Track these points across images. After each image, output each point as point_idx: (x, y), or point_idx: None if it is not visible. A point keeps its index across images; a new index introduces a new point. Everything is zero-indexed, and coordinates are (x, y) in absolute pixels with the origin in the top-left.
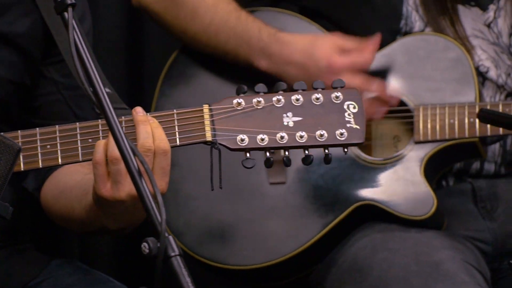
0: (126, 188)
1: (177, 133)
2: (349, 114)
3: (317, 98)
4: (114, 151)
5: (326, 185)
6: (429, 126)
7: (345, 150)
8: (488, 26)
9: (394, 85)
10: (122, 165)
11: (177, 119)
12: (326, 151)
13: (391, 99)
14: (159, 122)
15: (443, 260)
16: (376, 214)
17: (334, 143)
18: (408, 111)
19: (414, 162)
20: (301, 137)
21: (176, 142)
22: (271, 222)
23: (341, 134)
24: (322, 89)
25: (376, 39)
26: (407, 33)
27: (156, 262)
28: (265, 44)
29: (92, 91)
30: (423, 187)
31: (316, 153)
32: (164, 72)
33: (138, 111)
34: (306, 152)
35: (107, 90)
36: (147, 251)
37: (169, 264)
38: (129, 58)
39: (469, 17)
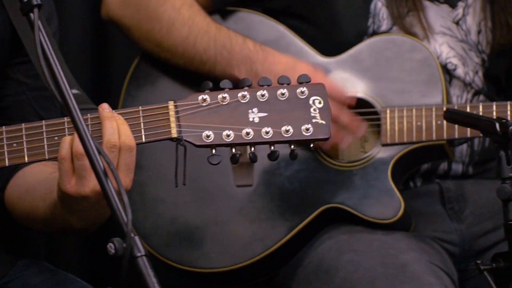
0: (91, 184)
1: (142, 129)
2: (314, 109)
3: (283, 94)
4: (79, 146)
5: (293, 187)
6: (396, 128)
7: (311, 145)
8: (457, 23)
9: (361, 87)
10: (86, 161)
11: (143, 116)
12: (292, 146)
13: (361, 127)
14: (125, 119)
15: (409, 262)
16: (343, 217)
17: (300, 139)
18: (375, 113)
19: (382, 165)
20: (267, 133)
21: (142, 139)
22: (238, 225)
23: (307, 129)
24: (288, 84)
25: (353, 98)
26: (374, 31)
27: (122, 262)
28: (250, 52)
29: (58, 91)
30: (390, 190)
31: (283, 154)
32: (130, 73)
33: (104, 107)
34: (272, 148)
35: (75, 91)
36: (113, 251)
37: (135, 264)
38: (95, 58)
39: (437, 14)
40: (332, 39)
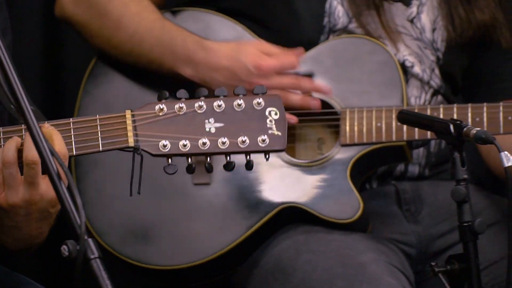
0: (19, 193)
1: (100, 138)
2: (270, 121)
3: (239, 104)
4: (8, 154)
5: (250, 186)
6: (355, 129)
7: (267, 156)
8: (411, 21)
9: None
10: (14, 169)
11: (100, 125)
12: (248, 157)
13: (313, 101)
14: (82, 127)
15: (367, 262)
16: (301, 216)
17: (256, 150)
18: (335, 113)
19: (340, 165)
20: (223, 143)
21: (99, 147)
22: (195, 222)
23: (263, 140)
24: (244, 95)
25: (300, 49)
26: (330, 30)
27: (76, 264)
28: (191, 52)
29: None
30: (349, 190)
31: (240, 155)
32: (88, 71)
33: (45, 125)
34: (228, 158)
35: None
36: (66, 253)
37: (88, 266)
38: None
39: (393, 13)
40: (288, 39)
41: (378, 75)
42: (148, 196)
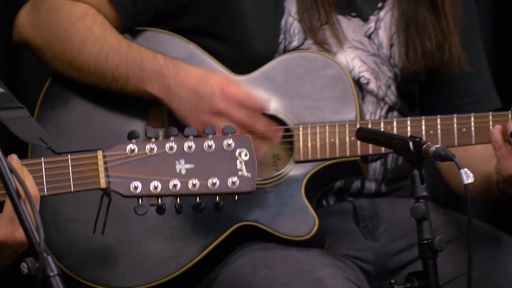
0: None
1: (71, 179)
2: (240, 162)
3: (209, 146)
4: None
5: (206, 206)
6: (309, 145)
7: (236, 198)
8: (369, 37)
9: (274, 104)
10: None
11: (72, 165)
12: (217, 198)
13: (276, 134)
14: (54, 167)
15: (325, 277)
16: (258, 235)
17: (226, 191)
18: (288, 130)
19: (295, 182)
20: (194, 185)
21: (70, 188)
22: (152, 243)
23: (233, 182)
24: (213, 134)
25: (268, 100)
26: (286, 47)
27: (35, 282)
28: (161, 67)
29: None
30: (304, 207)
31: None
32: (42, 94)
33: (13, 158)
34: (198, 199)
35: (1, 89)
36: (26, 271)
37: (48, 284)
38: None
39: (349, 28)
40: (243, 56)
41: (331, 90)
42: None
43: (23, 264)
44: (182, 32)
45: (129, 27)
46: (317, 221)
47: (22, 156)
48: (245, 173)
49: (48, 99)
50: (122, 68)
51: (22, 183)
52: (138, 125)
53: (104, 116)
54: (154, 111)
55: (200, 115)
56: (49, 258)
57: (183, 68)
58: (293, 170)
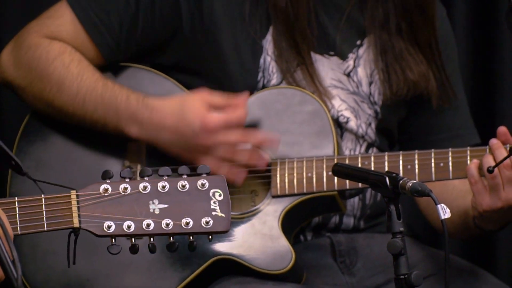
0: None
1: (44, 218)
2: (214, 202)
3: (183, 186)
4: None
5: (182, 238)
6: (286, 180)
7: (210, 237)
8: (348, 75)
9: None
10: None
11: (45, 204)
12: (191, 238)
13: (261, 160)
14: (28, 206)
15: None
16: (235, 268)
17: (200, 231)
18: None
19: (272, 216)
20: (167, 225)
21: (43, 227)
22: (129, 276)
23: (207, 222)
24: (188, 175)
25: (245, 94)
26: (264, 85)
27: None
28: (134, 111)
29: None
30: (281, 241)
31: None
32: (21, 129)
33: None
34: (171, 239)
35: None
36: None
37: None
38: None
39: (327, 67)
40: (223, 91)
41: (309, 125)
42: (82, 252)
43: None
44: (163, 68)
45: (109, 63)
46: (293, 255)
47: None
48: (219, 213)
49: (27, 134)
50: (99, 112)
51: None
52: (116, 160)
53: (83, 151)
54: (132, 146)
55: (191, 153)
56: None
57: (156, 108)
58: (270, 205)
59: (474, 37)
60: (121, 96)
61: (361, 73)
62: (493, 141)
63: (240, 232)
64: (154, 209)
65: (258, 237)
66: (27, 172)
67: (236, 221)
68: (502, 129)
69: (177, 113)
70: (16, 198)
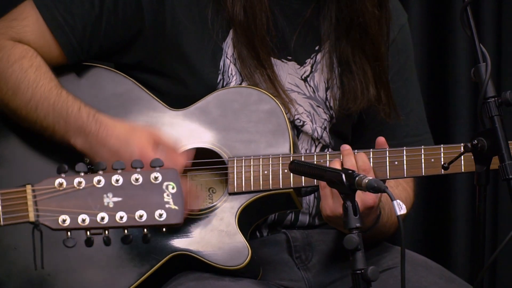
0: None
1: (0, 212)
2: (168, 195)
3: (137, 179)
4: None
5: (141, 235)
6: (243, 177)
7: (164, 230)
8: (305, 80)
9: (209, 137)
10: None
11: (1, 199)
12: (145, 230)
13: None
14: None
15: None
16: (193, 263)
17: (153, 224)
18: (223, 163)
19: (228, 213)
20: (121, 218)
21: (0, 221)
22: (89, 271)
23: (160, 215)
24: (141, 168)
25: (190, 151)
26: (224, 87)
27: None
28: (83, 123)
29: None
30: (237, 238)
31: None
32: None
33: None
34: (126, 231)
35: None
36: None
37: None
38: None
39: (285, 72)
40: (182, 92)
41: (265, 124)
42: (43, 248)
43: None
44: (126, 67)
45: (72, 63)
46: (250, 251)
47: None
48: (172, 206)
49: None
50: (49, 119)
51: None
52: (74, 155)
53: (42, 147)
54: None
55: None
56: None
57: (105, 126)
58: (227, 202)
59: (429, 43)
60: (72, 108)
61: (318, 78)
62: (345, 147)
63: (197, 228)
64: (108, 203)
65: (215, 234)
66: None
67: (194, 218)
68: (381, 139)
69: (123, 138)
70: None
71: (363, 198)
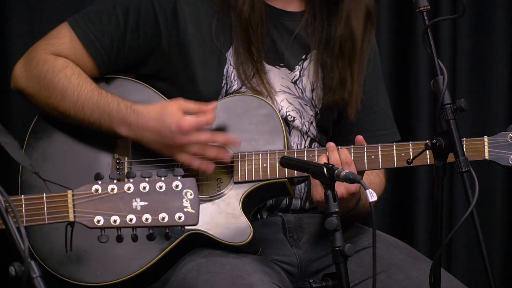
0: None
1: (46, 213)
2: (186, 200)
3: (161, 187)
4: None
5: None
6: (246, 169)
7: (182, 229)
8: (294, 83)
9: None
10: None
11: (46, 202)
12: (167, 230)
13: (226, 155)
14: (32, 203)
15: (254, 283)
16: (204, 241)
17: (173, 224)
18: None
19: (234, 199)
20: (147, 219)
21: (45, 220)
22: (118, 248)
23: (179, 217)
24: (165, 176)
25: (214, 103)
26: (227, 90)
27: (21, 282)
28: (124, 115)
29: None
30: (241, 219)
31: None
32: (31, 128)
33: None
34: (150, 230)
35: None
36: (13, 273)
37: (32, 284)
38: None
39: (278, 76)
40: (193, 98)
41: (264, 125)
42: (80, 228)
43: (11, 267)
44: (145, 77)
45: (103, 73)
46: (252, 230)
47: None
48: (190, 210)
49: (35, 131)
50: (95, 115)
51: (8, 201)
52: (108, 153)
53: (81, 146)
54: (120, 143)
55: (170, 149)
56: (33, 262)
57: (142, 113)
58: (233, 190)
59: (396, 58)
60: (113, 103)
61: (305, 81)
62: (330, 144)
63: (208, 211)
64: (136, 206)
65: (223, 216)
66: (38, 172)
67: (207, 202)
68: (360, 138)
69: (158, 117)
70: (23, 196)
71: (346, 186)
